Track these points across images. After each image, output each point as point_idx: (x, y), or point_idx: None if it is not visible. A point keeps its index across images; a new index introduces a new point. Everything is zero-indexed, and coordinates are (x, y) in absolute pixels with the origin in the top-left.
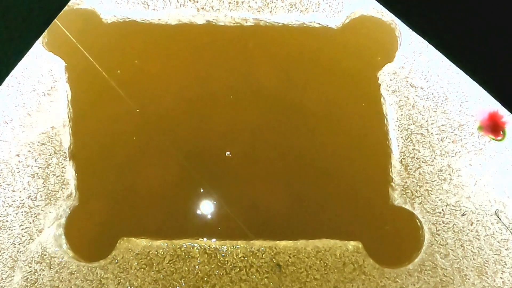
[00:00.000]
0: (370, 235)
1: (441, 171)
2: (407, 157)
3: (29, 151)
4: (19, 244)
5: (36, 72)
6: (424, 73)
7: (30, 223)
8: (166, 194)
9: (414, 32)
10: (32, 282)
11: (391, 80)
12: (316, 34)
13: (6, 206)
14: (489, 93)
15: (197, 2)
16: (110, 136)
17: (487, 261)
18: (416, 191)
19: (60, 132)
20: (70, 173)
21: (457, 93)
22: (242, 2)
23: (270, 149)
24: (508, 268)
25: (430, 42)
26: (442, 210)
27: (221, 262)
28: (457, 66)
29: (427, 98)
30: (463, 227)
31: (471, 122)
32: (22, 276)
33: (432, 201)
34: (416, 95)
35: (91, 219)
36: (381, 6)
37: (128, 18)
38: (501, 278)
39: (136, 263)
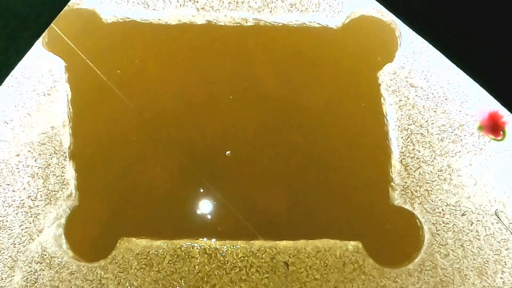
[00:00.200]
0: (370, 235)
1: (441, 171)
2: (407, 157)
3: (29, 151)
4: (19, 244)
5: (36, 72)
6: (424, 73)
7: (30, 223)
8: (166, 194)
9: (414, 32)
10: (32, 282)
11: (391, 80)
12: (316, 34)
13: (6, 206)
14: (489, 93)
15: (197, 2)
16: (110, 136)
17: (487, 261)
18: (416, 191)
19: (60, 132)
20: (70, 173)
21: (457, 93)
22: (242, 2)
23: (270, 148)
24: (508, 268)
25: (430, 42)
26: (442, 210)
27: (221, 262)
28: (457, 66)
29: (427, 98)
30: (463, 227)
31: (471, 122)
32: (22, 276)
33: (432, 201)
34: (416, 95)
35: (91, 219)
36: (381, 6)
37: (128, 18)
38: (501, 278)
39: (136, 263)
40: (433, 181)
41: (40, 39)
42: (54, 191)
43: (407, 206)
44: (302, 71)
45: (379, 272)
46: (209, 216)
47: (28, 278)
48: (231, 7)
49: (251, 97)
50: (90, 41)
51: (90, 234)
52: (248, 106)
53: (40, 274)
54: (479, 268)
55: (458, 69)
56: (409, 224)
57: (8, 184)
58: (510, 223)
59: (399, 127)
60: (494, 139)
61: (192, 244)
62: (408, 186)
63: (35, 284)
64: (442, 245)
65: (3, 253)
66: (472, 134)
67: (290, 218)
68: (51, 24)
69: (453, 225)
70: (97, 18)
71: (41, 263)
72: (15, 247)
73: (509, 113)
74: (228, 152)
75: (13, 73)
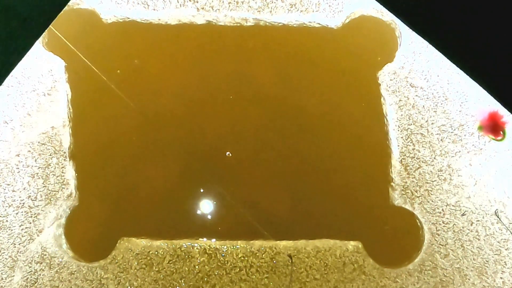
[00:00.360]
0: (370, 235)
1: (441, 171)
2: (407, 157)
3: (29, 151)
4: (19, 244)
5: (36, 72)
6: (424, 73)
7: (30, 223)
8: (166, 194)
9: (414, 32)
10: (32, 282)
11: (391, 80)
12: (316, 34)
13: (6, 206)
14: (489, 93)
15: (197, 2)
16: (110, 136)
17: (487, 261)
18: (416, 191)
19: (60, 132)
20: (70, 173)
21: (457, 93)
22: (242, 2)
23: (270, 149)
24: (508, 268)
25: (430, 42)
26: (442, 210)
27: (221, 262)
28: (457, 66)
29: (427, 98)
30: (463, 227)
31: (471, 122)
32: (22, 276)
33: (432, 201)
34: (416, 95)
35: (91, 219)
36: (381, 6)
37: (128, 18)
38: (501, 278)
39: (136, 263)
40: (433, 181)
41: (40, 39)
42: (54, 191)
43: (407, 206)
44: (302, 71)
45: (379, 272)
46: (209, 216)
47: (28, 278)
48: (231, 7)
49: (251, 97)
50: (90, 41)
51: (90, 234)
52: (248, 106)
53: (40, 274)
54: (479, 268)
55: (458, 69)
56: (409, 224)
57: (8, 184)
58: (510, 223)
59: (399, 127)
60: (494, 139)
61: (192, 244)
62: (408, 186)
63: (35, 284)
64: (442, 245)
65: (3, 253)
66: (472, 134)
67: (290, 218)
68: (51, 24)
69: (453, 225)
70: (97, 18)
71: (41, 263)
72: (15, 247)
73: (509, 113)
74: (228, 153)
75: (13, 73)
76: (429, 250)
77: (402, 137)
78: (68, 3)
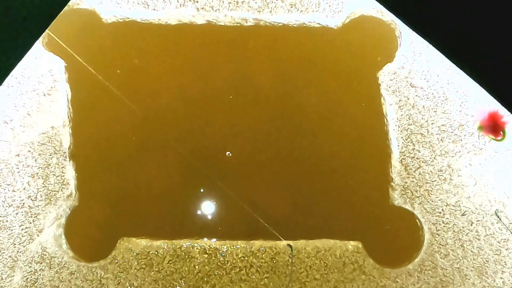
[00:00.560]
0: (370, 235)
1: (441, 171)
2: (407, 157)
3: (29, 151)
4: (19, 244)
5: (36, 72)
6: (424, 73)
7: (30, 223)
8: (166, 194)
9: (414, 32)
10: (32, 282)
11: (391, 80)
12: (316, 34)
13: (6, 206)
14: (489, 93)
15: (197, 2)
16: (110, 136)
17: (487, 261)
18: (416, 191)
19: (60, 132)
20: (70, 173)
21: (457, 93)
22: (242, 2)
23: (270, 148)
24: (508, 268)
25: (430, 42)
26: (442, 210)
27: (221, 262)
28: (457, 66)
29: (427, 98)
30: (463, 227)
31: (471, 122)
32: (22, 276)
33: (432, 201)
34: (416, 95)
35: (91, 219)
36: (381, 6)
37: (128, 18)
38: (501, 278)
39: (136, 263)
40: (433, 181)
41: (40, 39)
42: (54, 191)
43: (407, 206)
44: (302, 71)
45: (379, 272)
46: (209, 216)
47: (28, 278)
48: (231, 7)
49: (251, 97)
50: (90, 41)
51: (90, 234)
52: (248, 106)
53: (40, 274)
54: (479, 268)
55: (458, 69)
56: (409, 224)
57: (8, 184)
58: (510, 223)
59: (399, 127)
60: (494, 139)
61: (192, 244)
62: (408, 186)
63: (35, 284)
64: (442, 245)
65: (3, 253)
66: (472, 134)
67: (290, 218)
68: (51, 24)
69: (453, 225)
70: (97, 18)
71: (41, 263)
72: (15, 247)
73: (509, 113)
74: (229, 152)
75: (13, 73)
76: (429, 250)
77: (402, 137)
78: (68, 3)
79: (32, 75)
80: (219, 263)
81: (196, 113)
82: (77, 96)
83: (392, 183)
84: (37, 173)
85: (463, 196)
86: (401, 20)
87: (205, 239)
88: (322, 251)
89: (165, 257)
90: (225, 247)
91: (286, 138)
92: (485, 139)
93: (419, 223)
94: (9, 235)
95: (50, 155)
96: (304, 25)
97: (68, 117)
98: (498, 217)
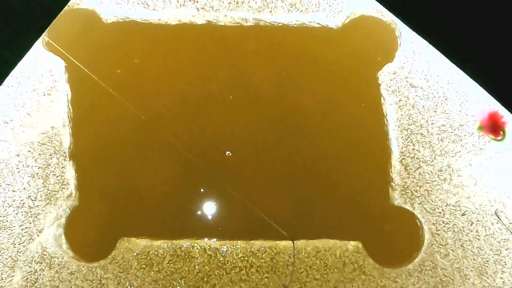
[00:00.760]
0: (370, 235)
1: (441, 171)
2: (407, 157)
3: (29, 151)
4: (19, 244)
5: (36, 72)
6: (424, 73)
7: (30, 223)
8: (166, 194)
9: (414, 32)
10: (32, 282)
11: (391, 80)
12: (316, 34)
13: (6, 206)
14: (489, 93)
15: (197, 2)
16: (110, 136)
17: (487, 261)
18: (416, 191)
19: (60, 132)
20: (70, 173)
21: (457, 93)
22: (242, 2)
23: (270, 148)
24: (508, 268)
25: (430, 42)
26: (442, 210)
27: (221, 262)
28: (457, 66)
29: (427, 98)
30: (463, 227)
31: (471, 122)
32: (22, 276)
33: (432, 201)
34: (416, 95)
35: (91, 219)
36: (381, 6)
37: (128, 18)
38: (501, 278)
39: (136, 263)
40: (433, 181)
41: (40, 39)
42: (54, 191)
43: (407, 206)
44: (302, 71)
45: (379, 272)
46: (209, 216)
47: (28, 278)
48: (231, 7)
49: (251, 97)
50: (90, 41)
51: (90, 234)
52: (248, 106)
53: (40, 274)
54: (479, 268)
55: (458, 69)
56: (409, 224)
57: (8, 184)
58: (510, 223)
59: (399, 127)
60: (494, 139)
61: (192, 244)
62: (408, 186)
63: (35, 284)
64: (442, 245)
65: (3, 253)
66: (472, 134)
67: (290, 218)
68: (51, 24)
69: (453, 225)
70: (97, 18)
71: (41, 263)
72: (15, 247)
73: (509, 113)
74: (228, 152)
75: (13, 73)
76: (429, 250)
77: (402, 137)
78: (68, 3)
79: (32, 75)
80: (219, 263)
81: (196, 112)
82: (77, 96)
83: (392, 183)
84: (37, 173)
85: (463, 196)
86: (401, 20)
87: (205, 239)
88: (322, 251)
89: (165, 257)
90: (225, 247)
91: (286, 138)
92: (485, 139)
93: (419, 223)
94: (9, 235)
95: (50, 155)
96: (304, 25)
97: (68, 117)
98: (498, 217)
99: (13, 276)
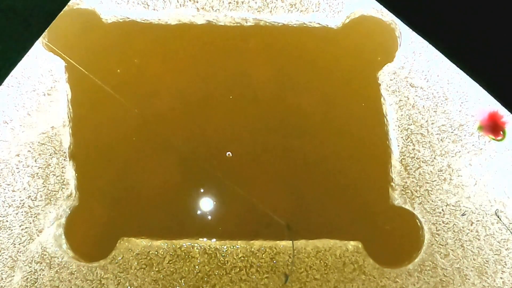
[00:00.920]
0: (370, 235)
1: (441, 171)
2: (407, 157)
3: (29, 151)
4: (19, 244)
5: (36, 72)
6: (424, 73)
7: (30, 223)
8: (166, 194)
9: (414, 32)
10: (32, 282)
11: (391, 80)
12: (316, 34)
13: (6, 206)
14: (489, 93)
15: (197, 2)
16: (110, 136)
17: (487, 261)
18: (416, 191)
19: (60, 132)
20: (70, 173)
21: (457, 93)
22: (242, 2)
23: (270, 149)
24: (508, 268)
25: (430, 42)
26: (442, 210)
27: (221, 262)
28: (457, 66)
29: (427, 98)
30: (463, 227)
31: (471, 122)
32: (22, 276)
33: (432, 201)
34: (416, 95)
35: (91, 219)
36: (381, 6)
37: (128, 18)
38: (501, 278)
39: (136, 263)
40: (433, 181)
41: (40, 39)
42: (54, 191)
43: (407, 206)
44: (302, 71)
45: (379, 272)
46: (209, 216)
47: (28, 278)
48: (231, 7)
49: (251, 97)
50: (90, 41)
51: (90, 234)
52: (248, 106)
53: (40, 274)
54: (479, 268)
55: (458, 69)
56: (409, 224)
57: (8, 184)
58: (510, 223)
59: (399, 127)
60: (494, 139)
61: (192, 244)
62: (408, 186)
63: (35, 284)
64: (442, 245)
65: (3, 253)
66: (472, 134)
67: (290, 218)
68: (51, 24)
69: (453, 225)
70: (97, 18)
71: (41, 263)
72: (15, 247)
73: (509, 113)
74: (229, 152)
75: (13, 73)
76: (429, 250)
77: (402, 137)
78: (68, 3)
79: (32, 75)
80: (219, 263)
81: (196, 113)
82: (77, 96)
83: (392, 183)
84: (37, 173)
85: (463, 196)
86: (401, 20)
87: (205, 239)
88: (322, 251)
89: (165, 257)
90: (225, 247)
91: (286, 138)
92: (485, 139)
93: (419, 223)
94: (9, 235)
95: (50, 155)
96: (304, 25)
97: (68, 117)
98: (498, 217)
99: (13, 276)
